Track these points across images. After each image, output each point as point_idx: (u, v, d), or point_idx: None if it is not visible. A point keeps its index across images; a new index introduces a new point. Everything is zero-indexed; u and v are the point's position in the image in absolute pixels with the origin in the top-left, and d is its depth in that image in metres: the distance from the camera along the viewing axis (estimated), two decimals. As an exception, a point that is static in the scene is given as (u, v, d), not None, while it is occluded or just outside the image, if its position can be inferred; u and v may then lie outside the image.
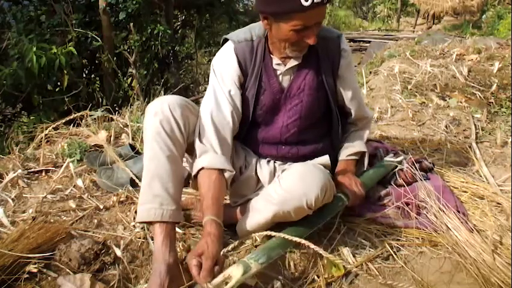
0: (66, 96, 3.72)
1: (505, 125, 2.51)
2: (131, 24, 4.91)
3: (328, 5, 1.26)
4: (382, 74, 3.58)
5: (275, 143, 1.47)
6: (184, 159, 1.40)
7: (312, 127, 1.47)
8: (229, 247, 1.19)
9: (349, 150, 1.55)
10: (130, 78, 5.27)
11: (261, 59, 1.39)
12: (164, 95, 2.49)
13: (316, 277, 1.26)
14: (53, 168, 1.90)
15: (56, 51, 3.82)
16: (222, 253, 1.15)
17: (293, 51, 1.32)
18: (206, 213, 1.21)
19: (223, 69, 1.39)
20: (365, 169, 1.61)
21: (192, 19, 7.00)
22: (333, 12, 15.74)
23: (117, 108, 3.90)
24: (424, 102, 2.89)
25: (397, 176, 1.63)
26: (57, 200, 1.66)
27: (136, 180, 1.69)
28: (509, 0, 11.85)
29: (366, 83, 3.51)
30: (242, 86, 1.41)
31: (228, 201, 1.53)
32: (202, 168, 1.30)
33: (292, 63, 1.39)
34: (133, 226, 1.49)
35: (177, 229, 1.40)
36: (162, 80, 5.25)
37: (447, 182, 1.73)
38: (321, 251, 1.14)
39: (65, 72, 4.02)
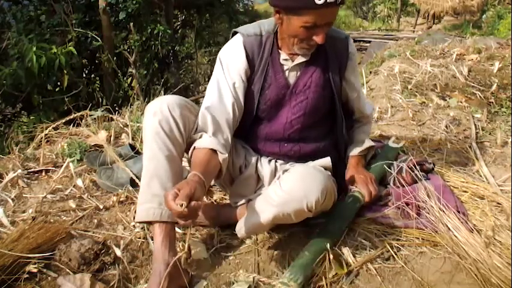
0: (66, 96, 3.72)
1: (505, 125, 2.50)
2: (131, 24, 4.91)
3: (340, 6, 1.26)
4: (382, 73, 3.57)
5: (278, 139, 1.47)
6: (184, 159, 1.39)
7: (315, 125, 1.48)
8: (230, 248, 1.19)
9: (360, 145, 1.59)
10: (130, 78, 5.28)
11: (268, 53, 1.39)
12: (164, 95, 2.48)
13: (322, 277, 1.24)
14: (53, 168, 1.90)
15: (56, 51, 3.82)
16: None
17: (301, 48, 1.32)
18: (191, 171, 1.18)
19: (231, 61, 1.39)
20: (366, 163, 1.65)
21: (192, 19, 7.01)
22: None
23: (117, 108, 3.90)
24: (424, 102, 2.89)
25: (398, 178, 1.64)
26: (57, 200, 1.66)
27: (136, 180, 1.69)
28: (509, 0, 11.85)
29: (366, 82, 3.50)
30: (248, 80, 1.41)
31: (228, 201, 1.52)
32: (194, 148, 1.30)
33: (300, 59, 1.39)
34: (133, 226, 1.50)
35: (177, 229, 1.40)
36: (162, 80, 5.26)
37: (447, 182, 1.73)
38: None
39: (65, 72, 4.02)
